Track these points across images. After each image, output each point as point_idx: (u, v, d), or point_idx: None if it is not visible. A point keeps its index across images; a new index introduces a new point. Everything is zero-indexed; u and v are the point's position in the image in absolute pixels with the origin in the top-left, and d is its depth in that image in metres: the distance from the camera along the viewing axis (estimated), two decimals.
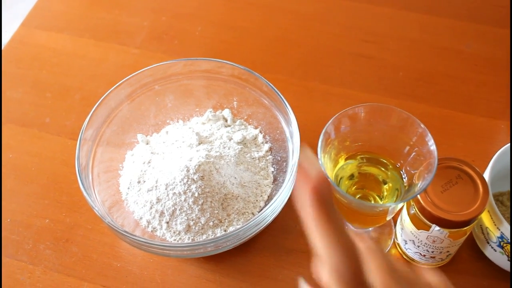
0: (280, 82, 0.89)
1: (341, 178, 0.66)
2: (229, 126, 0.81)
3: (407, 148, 0.62)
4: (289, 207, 0.71)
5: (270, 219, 0.68)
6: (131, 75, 0.77)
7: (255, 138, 0.80)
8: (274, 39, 0.98)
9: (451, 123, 0.85)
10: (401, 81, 0.91)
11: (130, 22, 1.01)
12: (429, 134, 0.59)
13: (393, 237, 0.75)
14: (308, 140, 0.77)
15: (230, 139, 0.77)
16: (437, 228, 0.63)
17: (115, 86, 0.76)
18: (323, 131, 0.60)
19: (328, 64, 0.93)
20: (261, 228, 0.68)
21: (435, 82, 0.90)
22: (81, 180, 0.68)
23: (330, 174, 0.63)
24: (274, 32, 0.99)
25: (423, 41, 0.96)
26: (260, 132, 0.81)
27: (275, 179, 0.76)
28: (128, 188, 0.75)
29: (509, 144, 0.70)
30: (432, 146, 0.59)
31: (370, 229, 0.75)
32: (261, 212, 0.65)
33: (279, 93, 0.73)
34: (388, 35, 0.96)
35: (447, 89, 0.89)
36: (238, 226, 0.70)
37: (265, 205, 0.74)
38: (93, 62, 0.96)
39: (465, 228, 0.63)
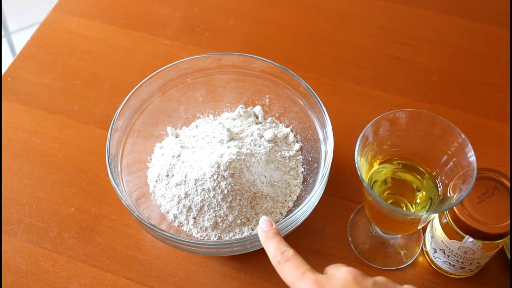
0: (312, 80, 0.88)
1: (374, 182, 0.65)
2: (260, 123, 0.80)
3: (445, 157, 0.61)
4: (316, 209, 0.70)
5: (300, 221, 0.67)
6: (164, 67, 0.76)
7: (286, 136, 0.79)
8: (307, 36, 0.96)
9: (484, 131, 0.84)
10: (435, 85, 0.89)
11: (162, 12, 1.00)
12: (470, 145, 0.58)
13: (421, 244, 0.73)
14: (339, 142, 0.76)
15: (261, 136, 0.76)
16: (471, 239, 0.61)
17: (147, 78, 0.75)
18: (362, 134, 0.59)
19: (361, 65, 0.92)
20: (290, 230, 0.67)
21: (469, 88, 0.89)
22: (110, 170, 0.68)
23: (365, 176, 0.62)
24: (307, 29, 0.97)
25: (458, 46, 0.94)
26: (291, 131, 0.80)
27: (304, 180, 0.75)
28: (156, 181, 0.74)
29: None
30: (472, 158, 0.57)
31: (399, 235, 0.74)
32: (292, 214, 0.64)
33: (315, 94, 0.72)
34: (423, 38, 0.95)
35: (481, 96, 0.88)
36: None
37: (294, 205, 0.73)
38: (123, 51, 0.95)
39: (499, 240, 0.61)
